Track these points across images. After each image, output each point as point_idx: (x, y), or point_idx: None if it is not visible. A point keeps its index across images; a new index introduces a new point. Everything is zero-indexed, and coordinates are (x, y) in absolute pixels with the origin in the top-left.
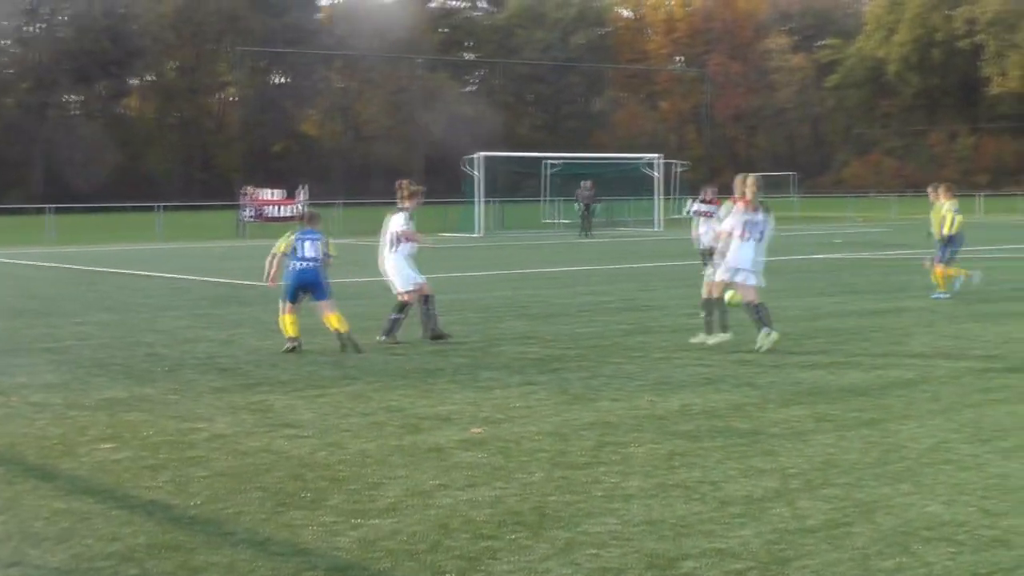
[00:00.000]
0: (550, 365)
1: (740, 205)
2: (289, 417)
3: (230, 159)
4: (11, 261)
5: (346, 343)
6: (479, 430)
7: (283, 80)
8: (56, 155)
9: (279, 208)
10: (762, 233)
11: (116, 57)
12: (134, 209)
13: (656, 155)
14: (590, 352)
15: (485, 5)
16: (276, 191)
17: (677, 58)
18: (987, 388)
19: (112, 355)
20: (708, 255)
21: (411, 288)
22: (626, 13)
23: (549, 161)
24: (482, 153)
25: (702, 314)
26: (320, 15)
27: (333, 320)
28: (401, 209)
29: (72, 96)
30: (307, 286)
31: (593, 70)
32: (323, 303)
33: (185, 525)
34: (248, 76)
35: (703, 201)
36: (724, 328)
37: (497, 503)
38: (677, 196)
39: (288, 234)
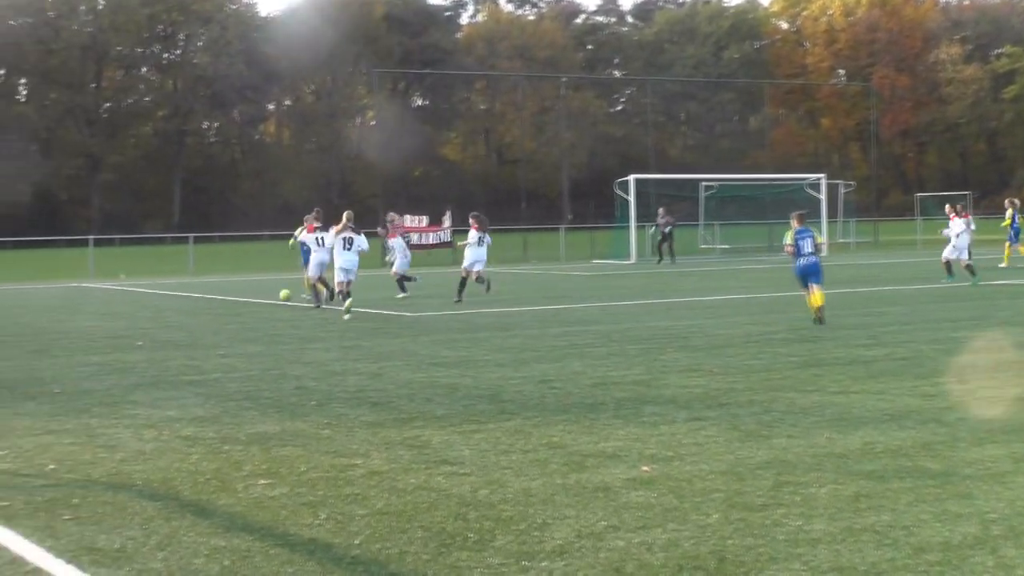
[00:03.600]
0: (718, 399)
1: (336, 228)
2: (447, 453)
3: (369, 185)
4: (151, 291)
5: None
6: (648, 468)
7: (422, 102)
8: (194, 183)
9: (424, 236)
10: (351, 245)
11: (252, 82)
12: (272, 238)
13: (819, 175)
14: (760, 386)
15: (632, 20)
16: (420, 217)
17: (839, 72)
18: None
19: (260, 388)
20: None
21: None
22: (783, 25)
23: (704, 183)
24: (635, 176)
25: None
26: (460, 34)
27: (817, 299)
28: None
29: (209, 123)
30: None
31: (748, 86)
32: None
33: (348, 566)
34: (387, 99)
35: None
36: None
37: (672, 546)
38: (842, 219)
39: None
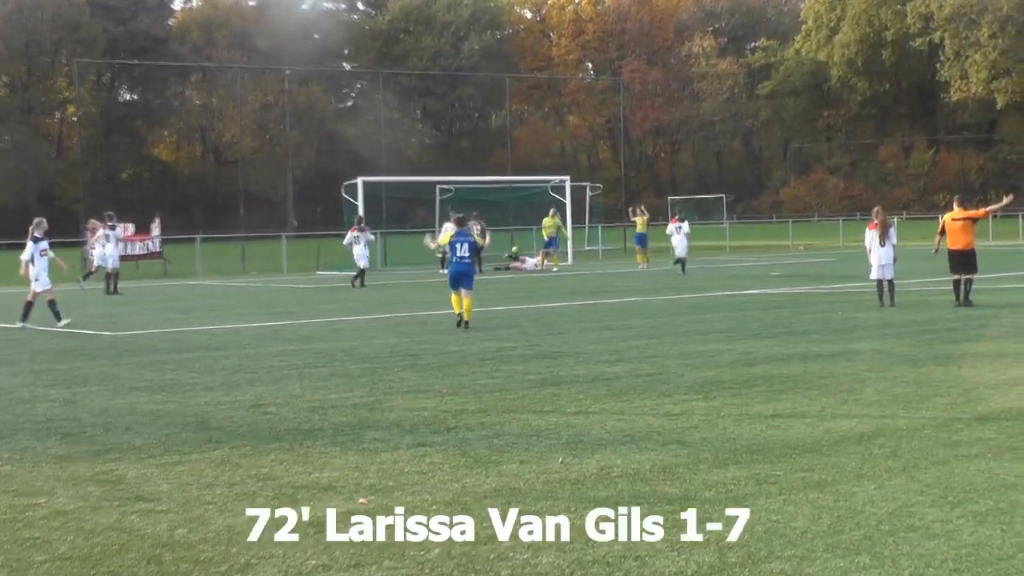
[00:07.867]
0: (446, 423)
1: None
2: (143, 489)
3: (72, 188)
4: None
5: (464, 325)
6: (365, 500)
7: (131, 97)
8: None
9: (131, 245)
10: None
11: None
12: None
13: (564, 177)
14: (493, 407)
15: (364, 8)
16: (126, 225)
17: (587, 65)
18: (955, 442)
19: None
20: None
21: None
22: (527, 14)
23: (441, 186)
24: (363, 178)
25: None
26: (173, 22)
27: (466, 304)
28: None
29: None
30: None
31: (490, 80)
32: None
33: None
34: (91, 92)
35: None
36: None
37: None
38: (589, 224)
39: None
